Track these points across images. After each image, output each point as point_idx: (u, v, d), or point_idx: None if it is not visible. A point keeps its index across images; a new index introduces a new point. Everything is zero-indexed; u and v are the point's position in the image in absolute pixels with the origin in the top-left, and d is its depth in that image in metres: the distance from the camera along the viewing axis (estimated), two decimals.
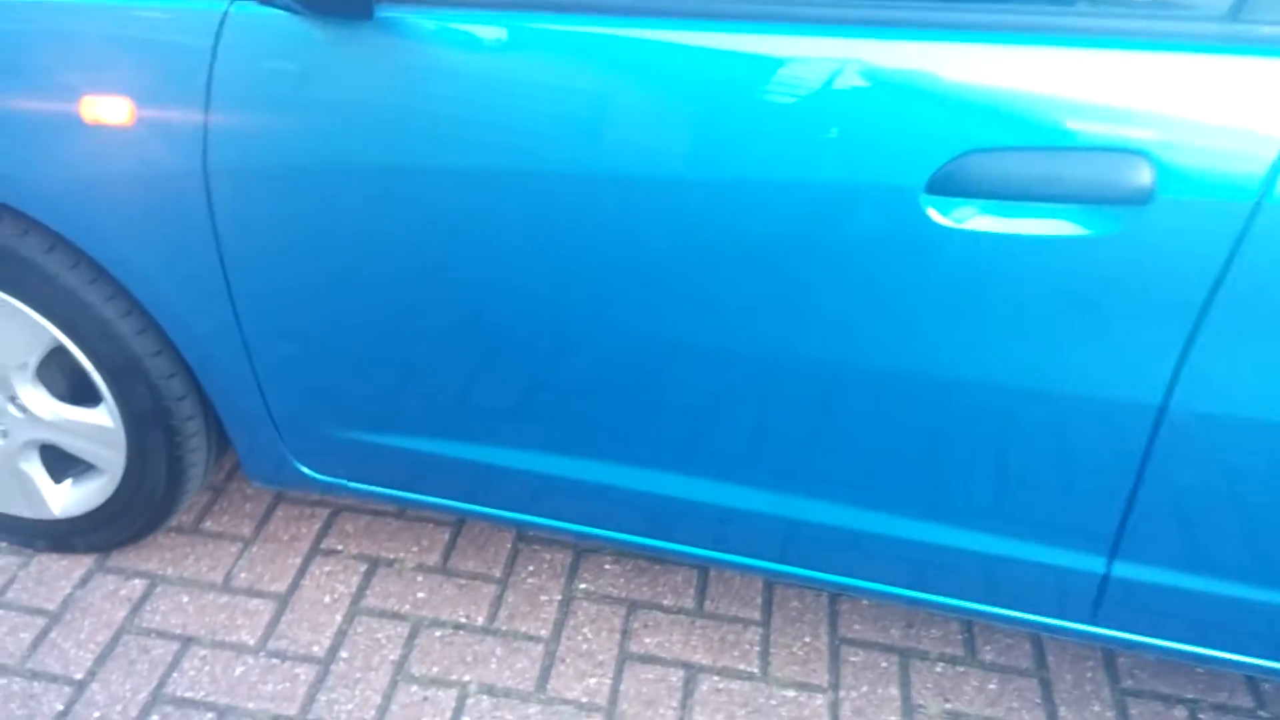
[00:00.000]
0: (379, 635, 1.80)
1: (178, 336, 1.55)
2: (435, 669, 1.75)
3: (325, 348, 1.51)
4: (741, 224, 1.25)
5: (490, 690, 1.73)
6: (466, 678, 1.74)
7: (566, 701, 1.72)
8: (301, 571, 1.91)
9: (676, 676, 1.77)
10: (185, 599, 1.84)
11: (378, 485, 1.69)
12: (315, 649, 1.77)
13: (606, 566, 1.97)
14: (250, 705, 1.68)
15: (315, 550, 1.95)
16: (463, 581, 1.91)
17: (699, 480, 1.51)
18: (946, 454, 1.37)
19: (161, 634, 1.78)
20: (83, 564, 1.89)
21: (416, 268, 1.40)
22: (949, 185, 1.19)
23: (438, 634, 1.81)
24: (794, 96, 1.20)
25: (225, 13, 1.32)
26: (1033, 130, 1.16)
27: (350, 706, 1.69)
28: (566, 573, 1.95)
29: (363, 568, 1.93)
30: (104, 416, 1.69)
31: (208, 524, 1.99)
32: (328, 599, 1.86)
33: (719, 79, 1.21)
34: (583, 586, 1.92)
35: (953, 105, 1.16)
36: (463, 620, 1.84)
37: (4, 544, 1.92)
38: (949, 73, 1.16)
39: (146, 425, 1.67)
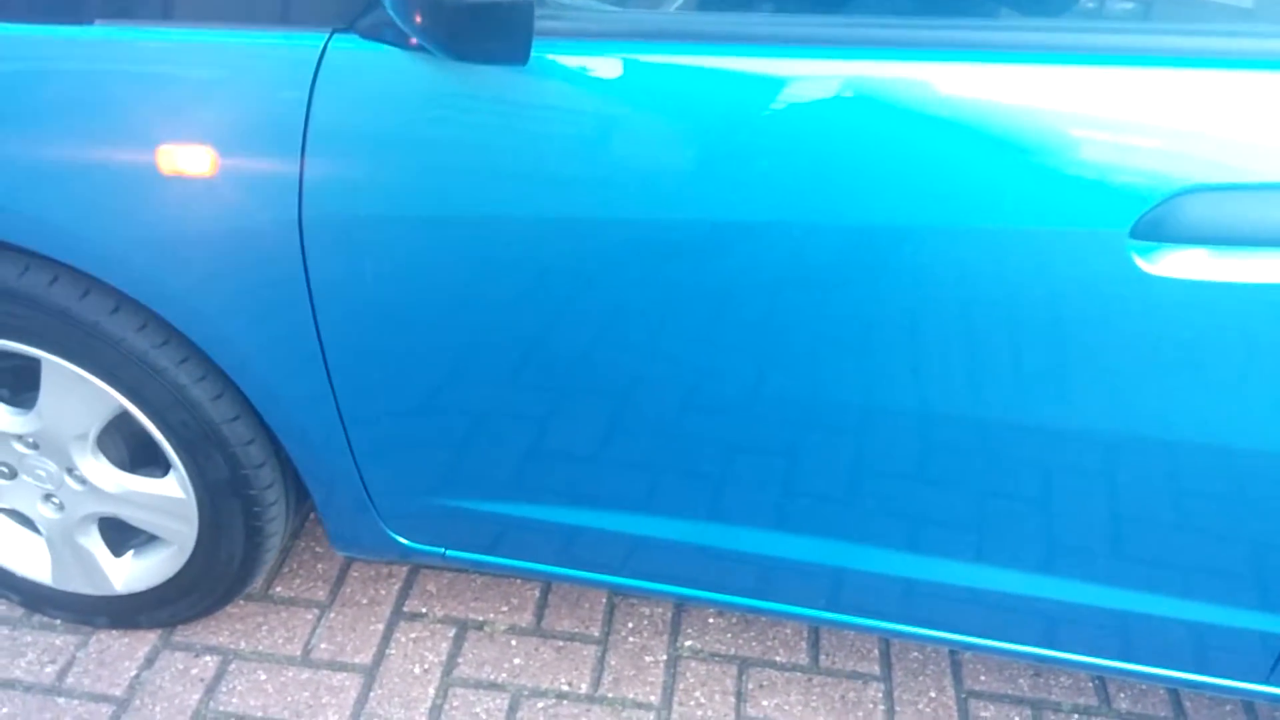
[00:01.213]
0: (477, 709, 1.66)
1: (262, 403, 1.40)
2: None
3: (430, 411, 1.36)
4: (927, 275, 1.11)
5: None
6: None
7: None
8: (386, 639, 1.76)
9: None
10: (263, 676, 1.70)
11: (478, 553, 1.54)
12: None
13: (710, 621, 1.83)
14: None
15: (398, 614, 1.81)
16: (560, 644, 1.77)
17: (854, 546, 1.37)
18: (1147, 517, 1.23)
19: (241, 718, 1.63)
20: (147, 641, 1.74)
21: (536, 326, 1.25)
22: (1158, 229, 1.06)
23: (540, 705, 1.67)
24: (980, 134, 1.06)
25: (323, 49, 1.17)
26: (1261, 166, 1.02)
27: None
28: (669, 629, 1.81)
29: (451, 632, 1.78)
30: (174, 487, 1.53)
31: (278, 589, 1.85)
32: (417, 669, 1.72)
33: (907, 118, 1.07)
34: (688, 644, 1.78)
35: (1167, 140, 1.03)
36: (565, 688, 1.70)
37: (58, 622, 1.76)
38: (1164, 104, 1.03)
39: (223, 495, 1.52)
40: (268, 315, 1.31)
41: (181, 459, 1.49)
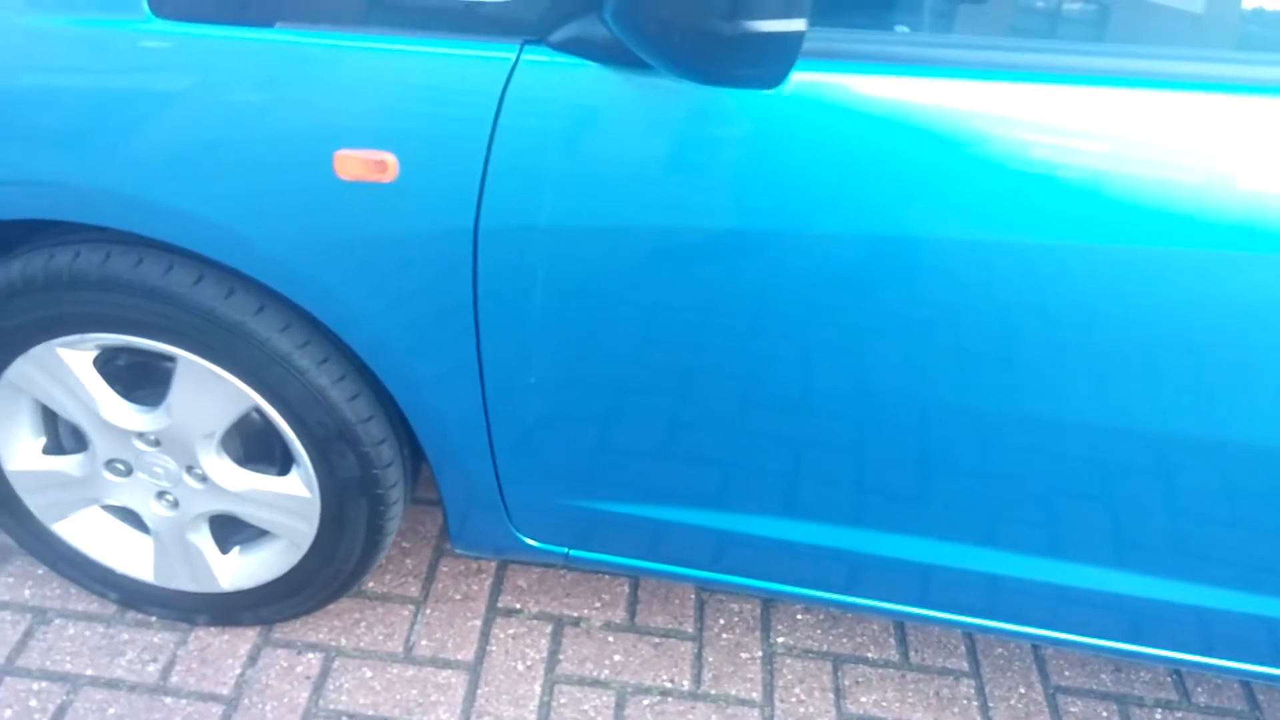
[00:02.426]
0: (585, 706, 1.68)
1: (408, 403, 1.41)
2: None
3: (578, 416, 1.38)
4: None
5: None
6: None
7: None
8: (485, 636, 1.78)
9: None
10: (368, 673, 1.70)
11: (601, 553, 1.56)
12: None
13: (799, 617, 1.87)
14: None
15: (493, 610, 1.82)
16: (656, 640, 1.80)
17: (1013, 555, 1.42)
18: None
19: (353, 716, 1.63)
20: (247, 638, 1.74)
21: (696, 335, 1.27)
22: None
23: (646, 702, 1.70)
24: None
25: (515, 61, 1.17)
26: None
27: None
28: (760, 625, 1.85)
29: (548, 629, 1.80)
30: (298, 486, 1.53)
31: (371, 585, 1.85)
32: (520, 666, 1.74)
33: (1157, 143, 1.11)
34: (780, 640, 1.83)
35: None
36: (668, 685, 1.73)
37: (153, 619, 1.75)
38: None
39: (350, 493, 1.52)
40: (429, 319, 1.31)
41: (311, 458, 1.49)
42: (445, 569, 1.89)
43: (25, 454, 1.58)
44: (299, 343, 1.40)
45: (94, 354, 1.47)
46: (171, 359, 1.48)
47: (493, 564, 1.90)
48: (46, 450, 1.61)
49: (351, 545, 1.59)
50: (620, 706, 1.69)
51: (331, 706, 1.65)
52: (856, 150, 1.13)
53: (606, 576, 1.91)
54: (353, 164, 1.22)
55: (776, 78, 0.99)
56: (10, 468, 1.58)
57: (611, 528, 1.52)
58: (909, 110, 1.12)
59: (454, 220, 1.24)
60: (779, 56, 0.96)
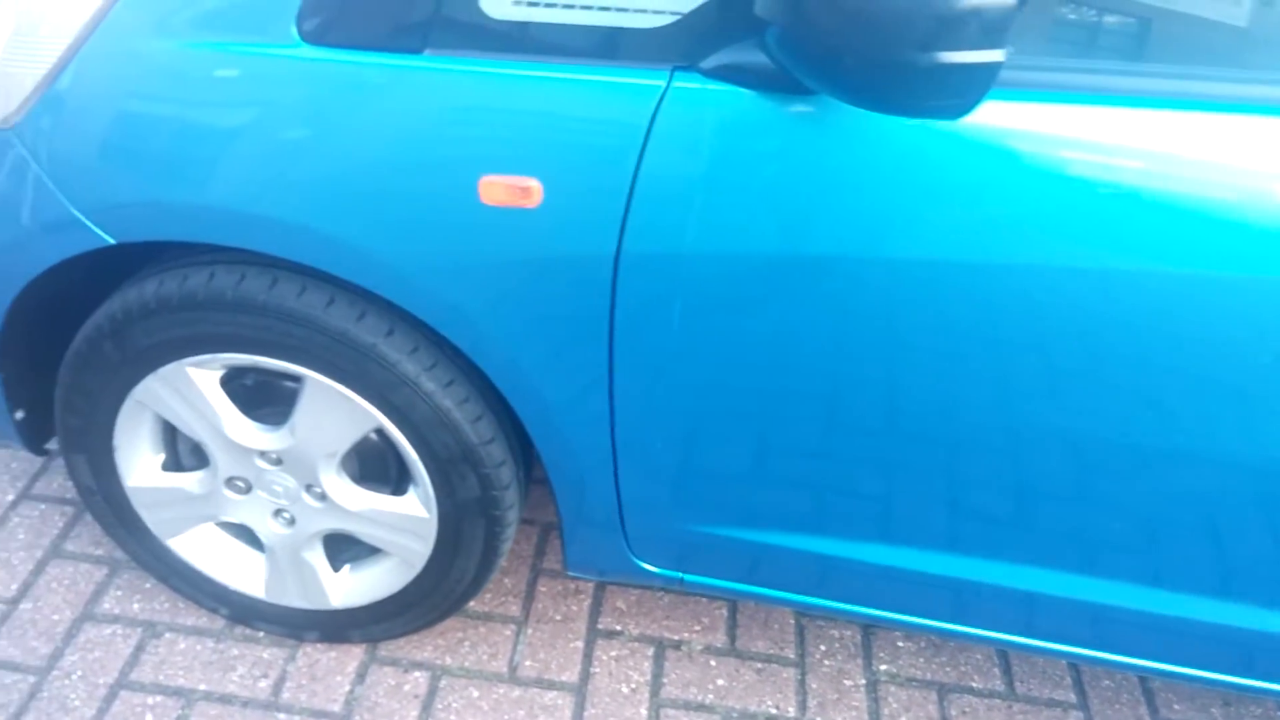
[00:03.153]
0: None
1: (536, 427, 1.41)
2: None
3: (708, 443, 1.38)
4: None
5: None
6: None
7: None
8: (588, 657, 1.78)
9: None
10: (475, 693, 1.70)
11: (718, 579, 1.56)
12: None
13: (900, 644, 1.86)
14: None
15: (594, 631, 1.82)
16: (759, 665, 1.79)
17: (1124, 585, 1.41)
18: None
19: None
20: (354, 656, 1.74)
21: (837, 363, 1.27)
22: None
23: None
24: None
25: (666, 87, 1.18)
26: None
27: None
28: (861, 653, 1.83)
29: (650, 651, 1.80)
30: (416, 506, 1.54)
31: (472, 604, 1.85)
32: (625, 689, 1.73)
33: None
34: (883, 668, 1.81)
35: None
36: (773, 711, 1.72)
37: (261, 634, 1.76)
38: None
39: (469, 514, 1.52)
40: (564, 343, 1.32)
41: (432, 479, 1.50)
42: (544, 589, 1.89)
43: (145, 470, 1.60)
44: (427, 365, 1.41)
45: (221, 373, 1.49)
46: (294, 379, 1.50)
47: (590, 584, 1.90)
48: (165, 467, 1.63)
49: (466, 565, 1.59)
50: None
51: None
52: (1039, 181, 1.12)
53: (704, 599, 1.90)
54: (497, 190, 1.23)
55: (965, 109, 0.98)
56: (130, 484, 1.60)
57: (731, 553, 1.51)
58: (1086, 141, 1.12)
59: (596, 246, 1.24)
60: (972, 88, 0.95)
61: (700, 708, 1.72)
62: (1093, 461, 1.30)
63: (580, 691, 1.72)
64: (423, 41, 1.23)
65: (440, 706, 1.68)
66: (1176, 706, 1.79)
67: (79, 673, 1.66)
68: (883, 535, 1.44)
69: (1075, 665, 1.84)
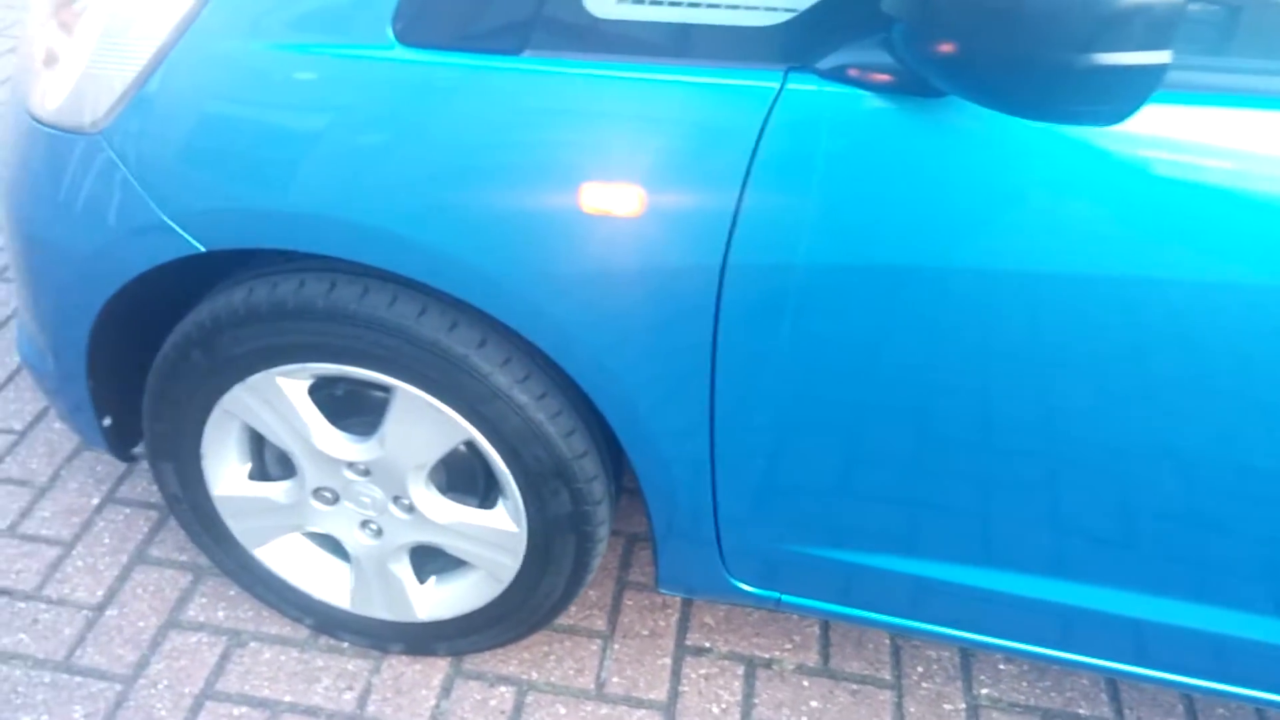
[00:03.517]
0: None
1: (631, 441, 1.36)
2: None
3: (812, 460, 1.32)
4: None
5: None
6: None
7: None
8: (676, 675, 1.72)
9: None
10: (562, 710, 1.66)
11: (814, 599, 1.49)
12: None
13: (1001, 667, 1.78)
14: None
15: (682, 648, 1.77)
16: (854, 687, 1.73)
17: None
18: None
19: None
20: (439, 669, 1.71)
21: (957, 377, 1.20)
22: None
23: None
24: None
25: (779, 91, 1.11)
26: None
27: None
28: (961, 675, 1.76)
29: (740, 670, 1.74)
30: (506, 520, 1.50)
31: (558, 618, 1.81)
32: (715, 709, 1.68)
33: None
34: (984, 692, 1.73)
35: None
36: None
37: (345, 645, 1.73)
38: None
39: (559, 529, 1.48)
40: (663, 355, 1.26)
41: (522, 493, 1.45)
42: (629, 602, 1.84)
43: (232, 479, 1.58)
44: (519, 377, 1.36)
45: (309, 382, 1.46)
46: (383, 389, 1.47)
47: (677, 600, 1.85)
48: (252, 476, 1.61)
49: (555, 581, 1.55)
50: None
51: None
52: (1198, 191, 1.04)
53: (795, 618, 1.84)
54: (599, 196, 1.18)
55: (1123, 114, 0.91)
56: (217, 492, 1.58)
57: (829, 574, 1.45)
58: (1252, 151, 1.03)
59: (701, 256, 1.18)
60: (1133, 91, 0.87)
61: None
62: (1211, 484, 1.21)
63: (669, 711, 1.67)
64: (523, 42, 1.18)
65: None
66: None
67: (165, 682, 1.65)
68: (989, 559, 1.37)
69: (1188, 695, 1.75)
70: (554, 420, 1.39)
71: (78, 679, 1.64)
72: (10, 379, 2.18)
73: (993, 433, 1.22)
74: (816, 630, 1.81)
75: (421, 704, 1.65)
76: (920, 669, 1.77)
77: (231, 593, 1.80)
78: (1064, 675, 1.77)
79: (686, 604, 1.84)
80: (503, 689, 1.68)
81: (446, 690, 1.68)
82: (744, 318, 1.21)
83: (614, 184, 1.17)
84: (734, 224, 1.16)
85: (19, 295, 1.59)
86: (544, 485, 1.43)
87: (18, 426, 2.07)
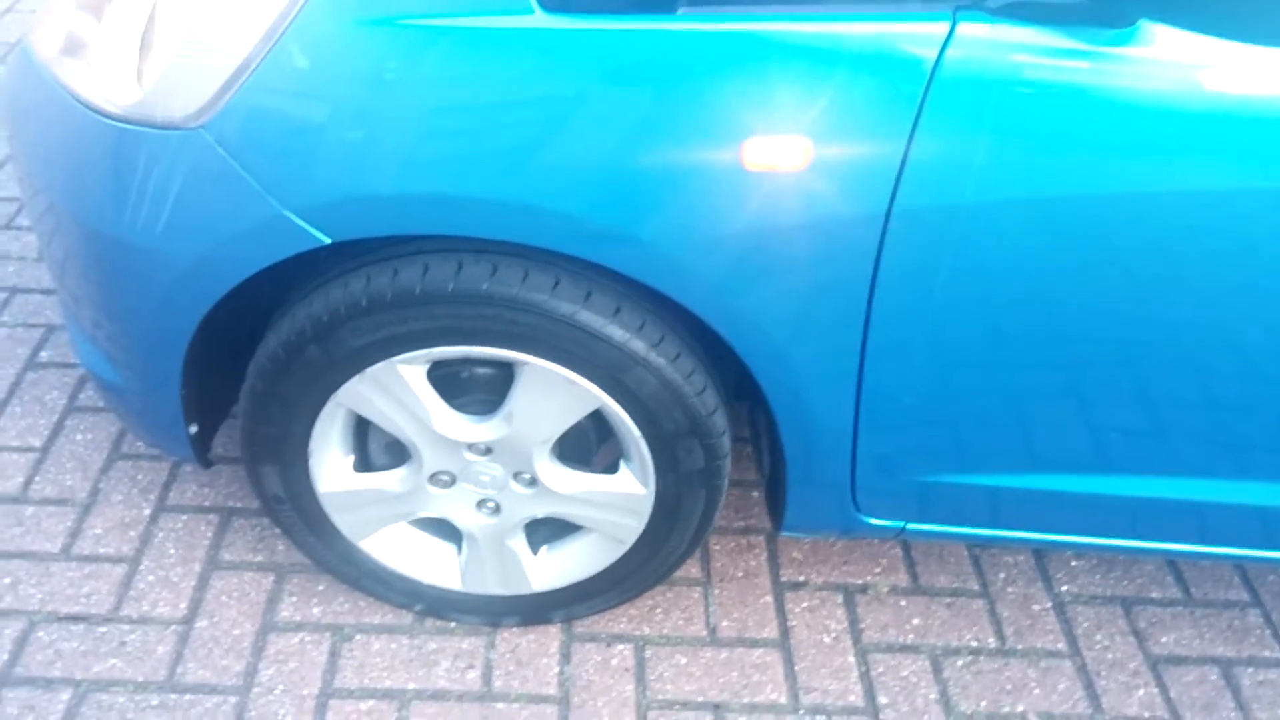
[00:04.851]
0: (904, 673, 1.68)
1: (776, 392, 1.37)
2: (983, 702, 1.65)
3: (958, 393, 1.35)
4: None
5: (1050, 718, 1.63)
6: (1019, 707, 1.65)
7: (1131, 719, 1.64)
8: (781, 611, 1.76)
9: (1214, 675, 1.71)
10: (683, 660, 1.68)
11: (941, 524, 1.55)
12: (851, 698, 1.65)
13: (1073, 564, 1.88)
14: None
15: (779, 585, 1.81)
16: (947, 600, 1.80)
17: None
18: None
19: (686, 705, 1.62)
20: (552, 636, 1.71)
21: (1119, 303, 1.25)
22: None
23: (960, 663, 1.70)
24: None
25: (949, 32, 1.12)
26: None
27: None
28: (1040, 576, 1.85)
29: (839, 598, 1.79)
30: (633, 483, 1.49)
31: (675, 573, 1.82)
32: (827, 639, 1.73)
33: None
34: (1065, 589, 1.83)
35: None
36: (974, 644, 1.74)
37: (452, 625, 1.71)
38: None
39: (690, 486, 1.48)
40: (819, 303, 1.27)
41: (653, 454, 1.45)
42: (716, 547, 1.87)
43: (339, 474, 1.53)
44: (654, 340, 1.36)
45: (426, 368, 1.42)
46: (496, 365, 1.44)
47: (762, 538, 1.88)
48: (355, 468, 1.55)
49: (681, 537, 1.56)
50: (937, 670, 1.69)
51: (661, 697, 1.63)
52: None
53: (875, 541, 1.90)
54: (763, 152, 1.17)
55: None
56: (324, 490, 1.53)
57: (960, 498, 1.50)
58: None
59: (866, 204, 1.19)
60: None
61: (905, 649, 1.72)
62: None
63: (784, 646, 1.71)
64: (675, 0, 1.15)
65: (653, 677, 1.65)
66: None
67: (280, 687, 1.60)
68: (1117, 466, 1.44)
69: (1240, 566, 1.89)
70: (689, 380, 1.39)
71: (188, 697, 1.58)
72: (12, 392, 2.03)
73: (1152, 348, 1.27)
74: (899, 552, 1.88)
75: (545, 672, 1.65)
76: (1002, 575, 1.85)
77: (320, 587, 1.75)
78: (1130, 564, 1.88)
79: (772, 542, 1.88)
80: (620, 647, 1.70)
81: (566, 656, 1.68)
82: (905, 261, 1.23)
83: (780, 138, 1.17)
84: (901, 170, 1.17)
85: (80, 311, 1.48)
86: (678, 444, 1.43)
87: (37, 443, 1.94)
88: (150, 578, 1.74)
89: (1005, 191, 1.17)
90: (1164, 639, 1.76)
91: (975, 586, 1.83)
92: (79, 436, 1.96)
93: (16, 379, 2.06)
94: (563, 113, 1.17)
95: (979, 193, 1.17)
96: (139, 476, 1.90)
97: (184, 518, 1.84)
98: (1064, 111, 1.13)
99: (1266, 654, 1.75)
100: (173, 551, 1.78)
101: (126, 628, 1.67)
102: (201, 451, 1.57)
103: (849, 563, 1.86)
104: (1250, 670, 1.72)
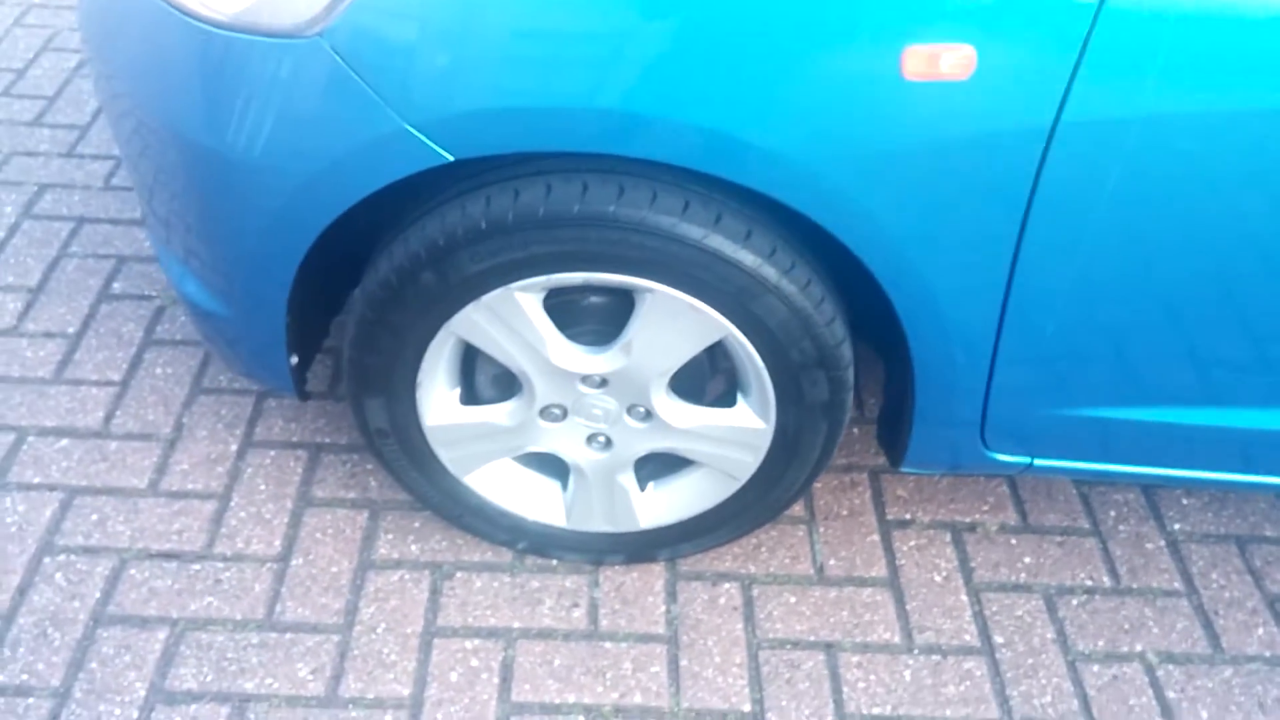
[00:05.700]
0: (1019, 612, 1.64)
1: (914, 321, 1.30)
2: (1101, 642, 1.60)
3: (1107, 323, 1.28)
4: None
5: (1169, 657, 1.59)
6: (1138, 646, 1.60)
7: (1251, 658, 1.59)
8: (888, 550, 1.71)
9: None
10: (792, 599, 1.64)
11: (1069, 459, 1.49)
12: (966, 638, 1.60)
13: (1184, 501, 1.82)
14: (945, 713, 1.51)
15: (885, 523, 1.76)
16: (1058, 539, 1.75)
17: None
18: None
19: (797, 644, 1.58)
20: (657, 575, 1.66)
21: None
22: None
23: (1074, 602, 1.66)
24: None
25: None
26: None
27: (1047, 699, 1.53)
28: (1151, 514, 1.80)
29: (947, 537, 1.74)
30: (752, 417, 1.44)
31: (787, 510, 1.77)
32: (938, 578, 1.68)
33: None
34: (1177, 527, 1.78)
35: None
36: (1089, 583, 1.68)
37: (554, 562, 1.67)
38: None
39: (812, 419, 1.42)
40: (969, 226, 1.20)
41: (776, 387, 1.39)
42: (819, 485, 1.81)
43: (446, 407, 1.47)
44: (786, 267, 1.29)
45: (543, 296, 1.35)
46: (608, 294, 1.37)
47: (865, 475, 1.83)
48: (461, 401, 1.50)
49: (799, 472, 1.50)
50: (1052, 609, 1.64)
51: (772, 636, 1.59)
52: None
53: (984, 479, 1.84)
54: (924, 60, 1.09)
55: None
56: (430, 423, 1.47)
57: (1090, 433, 1.43)
58: None
59: (1031, 117, 1.12)
60: None
61: (1018, 588, 1.67)
62: None
63: (894, 585, 1.66)
64: None
65: (763, 615, 1.61)
66: None
67: (382, 625, 1.56)
68: (1258, 399, 1.37)
69: None
70: (819, 308, 1.32)
71: (289, 635, 1.55)
72: (86, 325, 1.98)
73: None
74: (1006, 490, 1.82)
75: (652, 611, 1.61)
76: (1113, 514, 1.80)
77: (417, 524, 1.70)
78: (1242, 502, 1.82)
79: (876, 479, 1.83)
80: (727, 585, 1.65)
81: (672, 594, 1.63)
82: (1068, 180, 1.15)
83: (942, 45, 1.09)
84: (1072, 80, 1.09)
85: (175, 235, 1.42)
86: (804, 376, 1.37)
87: (115, 377, 1.89)
88: (242, 514, 1.70)
89: (1181, 104, 1.09)
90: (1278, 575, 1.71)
91: (1086, 525, 1.77)
92: (159, 370, 1.91)
93: (90, 311, 2.01)
94: (704, 23, 1.09)
95: (1153, 105, 1.09)
96: (223, 411, 1.85)
97: (271, 453, 1.79)
98: (1249, 16, 1.04)
99: None
100: (263, 488, 1.74)
101: (220, 565, 1.63)
102: (300, 384, 1.52)
103: (955, 500, 1.80)
104: None
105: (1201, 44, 1.06)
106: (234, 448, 1.80)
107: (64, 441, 1.78)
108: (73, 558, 1.61)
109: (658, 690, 1.52)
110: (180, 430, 1.82)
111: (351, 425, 1.83)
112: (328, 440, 1.82)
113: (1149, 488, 1.84)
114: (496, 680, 1.51)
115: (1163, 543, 1.75)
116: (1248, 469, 1.48)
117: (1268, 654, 1.60)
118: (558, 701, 1.50)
